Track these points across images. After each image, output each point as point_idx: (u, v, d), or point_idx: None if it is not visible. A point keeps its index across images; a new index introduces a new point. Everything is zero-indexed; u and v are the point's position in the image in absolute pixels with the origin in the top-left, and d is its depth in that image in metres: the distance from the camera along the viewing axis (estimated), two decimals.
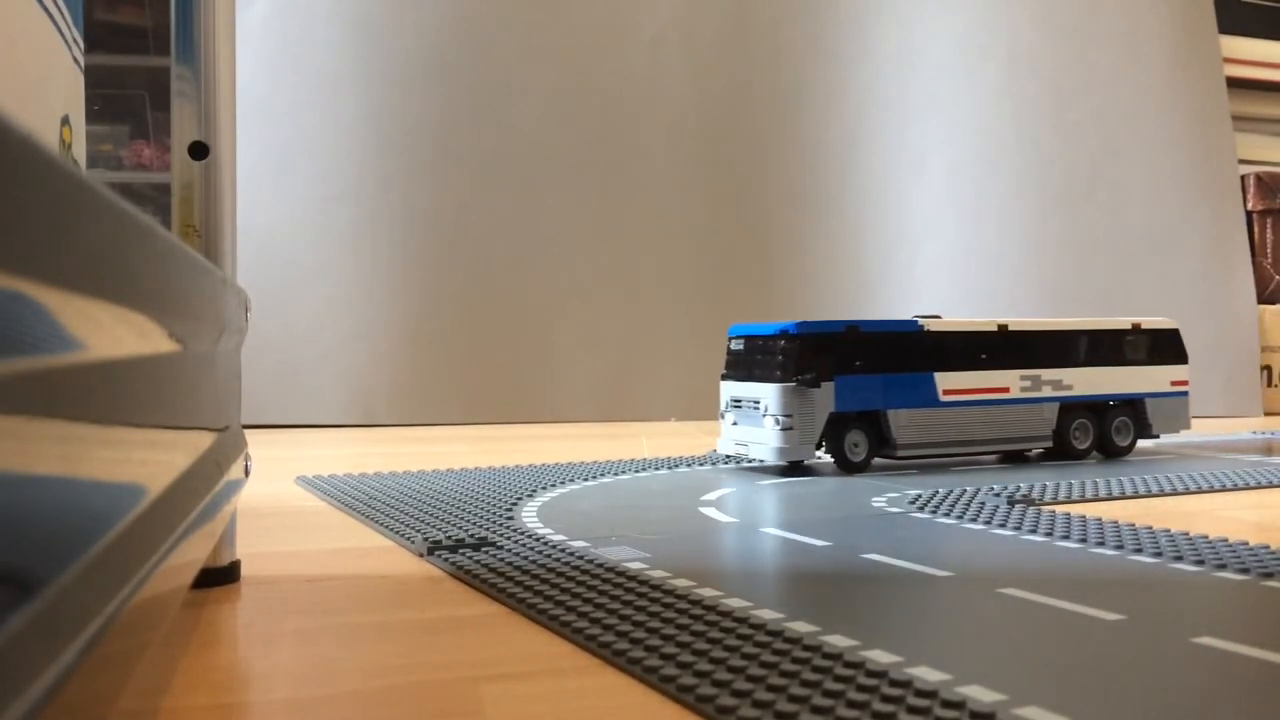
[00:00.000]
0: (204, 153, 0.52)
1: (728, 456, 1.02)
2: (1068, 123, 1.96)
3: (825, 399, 0.90)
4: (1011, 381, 0.99)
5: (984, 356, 0.98)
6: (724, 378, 0.97)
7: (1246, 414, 1.90)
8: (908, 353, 0.94)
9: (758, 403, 0.91)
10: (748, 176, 1.85)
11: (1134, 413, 1.06)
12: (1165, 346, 1.08)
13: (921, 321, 0.96)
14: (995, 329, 0.99)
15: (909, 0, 1.92)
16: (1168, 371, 1.07)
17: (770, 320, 1.01)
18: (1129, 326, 1.06)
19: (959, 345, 0.97)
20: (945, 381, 0.96)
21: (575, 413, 1.70)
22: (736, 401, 0.94)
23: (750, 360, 0.94)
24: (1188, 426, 1.09)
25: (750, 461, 0.99)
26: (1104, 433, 1.04)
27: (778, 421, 0.89)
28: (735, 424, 0.95)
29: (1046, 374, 1.01)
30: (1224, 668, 0.37)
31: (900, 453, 0.94)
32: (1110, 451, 1.05)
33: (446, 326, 1.67)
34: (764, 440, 0.91)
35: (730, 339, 0.98)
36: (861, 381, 0.92)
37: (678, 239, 1.80)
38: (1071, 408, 1.02)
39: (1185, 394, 1.08)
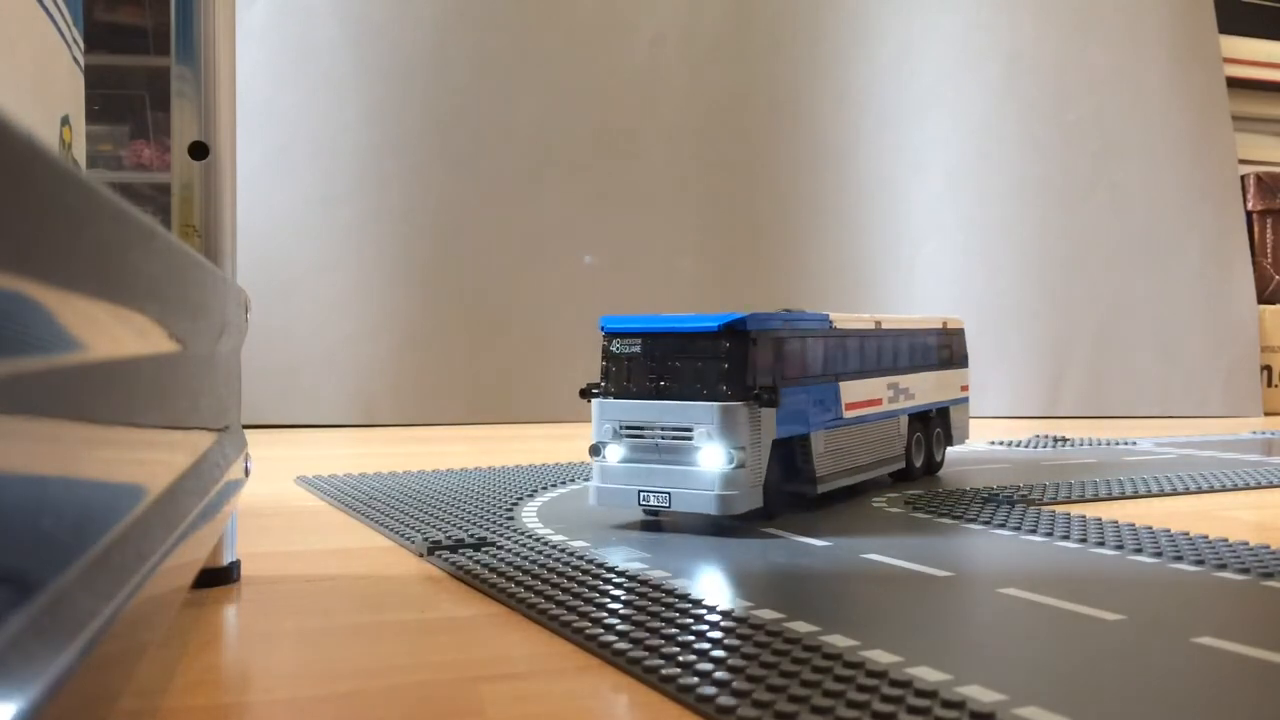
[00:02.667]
0: (204, 153, 0.52)
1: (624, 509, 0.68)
2: (1068, 123, 1.96)
3: (770, 422, 0.65)
4: (883, 391, 0.80)
5: (864, 361, 0.78)
6: (599, 394, 0.67)
7: (1246, 414, 1.90)
8: (820, 357, 0.72)
9: (685, 431, 0.63)
10: (747, 176, 1.85)
11: (944, 423, 0.93)
12: (960, 348, 0.95)
13: (831, 316, 0.74)
14: (874, 326, 0.80)
15: (909, 0, 1.92)
16: (962, 375, 0.95)
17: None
18: (941, 326, 0.92)
19: (856, 348, 0.77)
20: (847, 393, 0.75)
21: (575, 413, 1.69)
22: (635, 430, 0.64)
23: (661, 369, 0.65)
24: (968, 436, 0.98)
25: (658, 517, 0.69)
26: (929, 447, 0.89)
27: (729, 457, 0.61)
28: (633, 463, 0.65)
29: (903, 381, 0.83)
30: (1224, 668, 0.37)
31: (821, 487, 0.71)
32: (932, 468, 0.90)
33: (446, 326, 1.67)
34: (697, 485, 0.62)
35: (612, 337, 0.67)
36: (796, 396, 0.68)
37: (677, 238, 1.80)
38: (912, 420, 0.86)
39: (968, 400, 0.98)
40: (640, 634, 0.40)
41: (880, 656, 0.37)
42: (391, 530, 0.64)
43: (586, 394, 0.68)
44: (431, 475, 0.92)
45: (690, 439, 0.63)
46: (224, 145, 0.53)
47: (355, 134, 1.65)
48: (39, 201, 0.14)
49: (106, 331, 0.19)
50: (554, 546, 0.58)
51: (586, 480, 0.89)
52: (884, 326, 0.81)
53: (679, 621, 0.42)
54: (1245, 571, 0.51)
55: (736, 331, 0.63)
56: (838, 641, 0.39)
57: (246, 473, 0.53)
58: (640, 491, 0.64)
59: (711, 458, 0.62)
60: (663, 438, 0.64)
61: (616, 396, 0.66)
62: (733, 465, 0.62)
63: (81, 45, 0.60)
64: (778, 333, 0.66)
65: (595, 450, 0.66)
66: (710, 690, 0.34)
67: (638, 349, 0.66)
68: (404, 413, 1.62)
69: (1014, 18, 1.95)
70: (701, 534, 0.64)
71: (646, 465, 0.64)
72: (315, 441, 1.35)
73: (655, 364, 0.65)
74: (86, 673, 0.16)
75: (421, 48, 1.68)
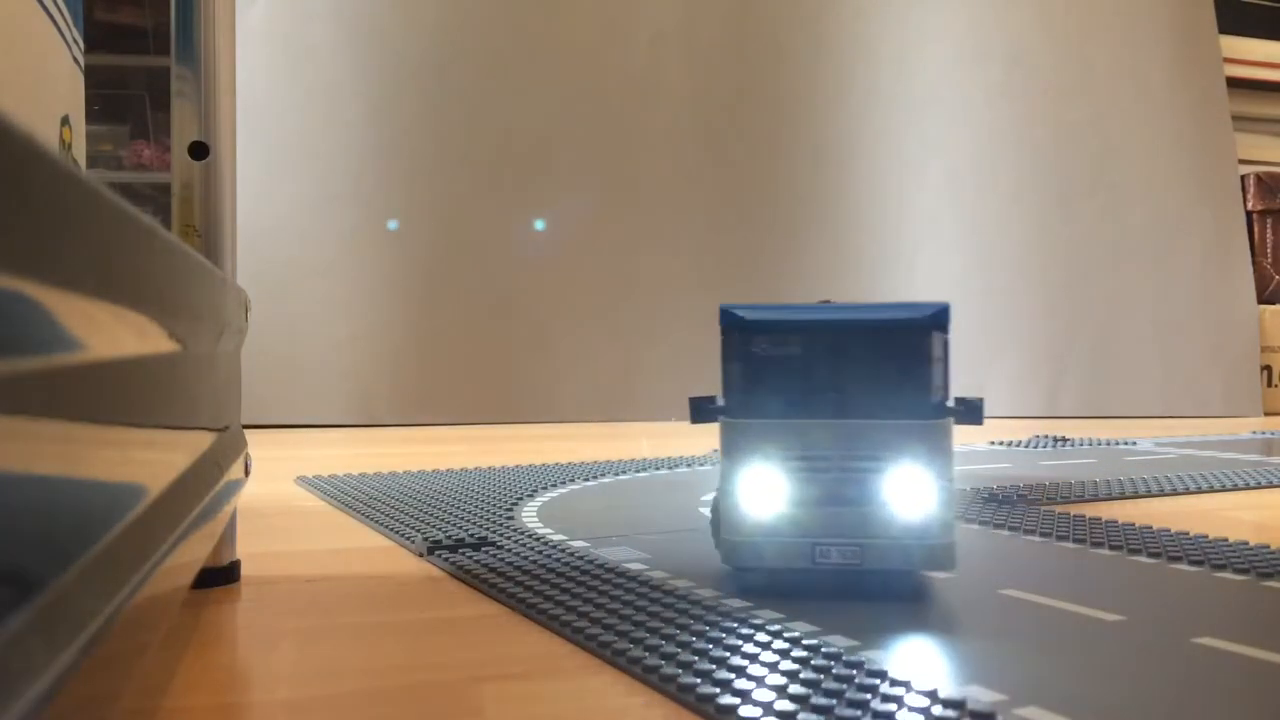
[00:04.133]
0: (204, 153, 0.52)
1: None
2: (1068, 123, 1.96)
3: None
4: None
5: None
6: (730, 412, 0.50)
7: (1246, 414, 1.90)
8: None
9: (875, 460, 0.48)
10: (748, 176, 1.85)
11: None
12: None
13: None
14: None
15: (909, 0, 1.92)
16: None
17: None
18: None
19: None
20: None
21: (575, 413, 1.70)
22: (805, 461, 0.48)
23: (836, 376, 0.49)
24: None
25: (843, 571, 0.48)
26: None
27: (941, 493, 0.47)
28: (800, 506, 0.48)
29: None
30: (1224, 667, 0.37)
31: None
32: None
33: (446, 326, 1.67)
34: (897, 534, 0.47)
35: (752, 333, 0.49)
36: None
37: (678, 238, 1.80)
38: None
39: None
40: (640, 634, 0.40)
41: (880, 656, 0.37)
42: (391, 530, 0.64)
43: (706, 412, 0.51)
44: (431, 475, 0.92)
45: (882, 470, 0.47)
46: (224, 145, 0.53)
47: (355, 134, 1.65)
48: (39, 201, 0.14)
49: (106, 331, 0.19)
50: (554, 546, 0.58)
51: (586, 480, 0.89)
52: None
53: (679, 621, 0.42)
54: (1245, 571, 0.51)
55: (941, 326, 0.47)
56: (838, 641, 0.39)
57: (246, 473, 0.53)
58: (816, 545, 0.47)
59: (913, 495, 0.46)
60: (844, 470, 0.47)
61: (764, 415, 0.48)
62: (943, 504, 0.46)
63: (81, 45, 0.60)
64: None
65: (728, 491, 0.48)
66: (710, 690, 0.34)
67: (797, 349, 0.49)
68: (404, 413, 1.62)
69: (1014, 18, 1.95)
70: (701, 534, 0.64)
71: (822, 510, 0.47)
72: (315, 441, 1.35)
73: (827, 370, 0.49)
74: (86, 673, 0.16)
75: (421, 48, 1.68)
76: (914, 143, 1.91)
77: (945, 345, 0.49)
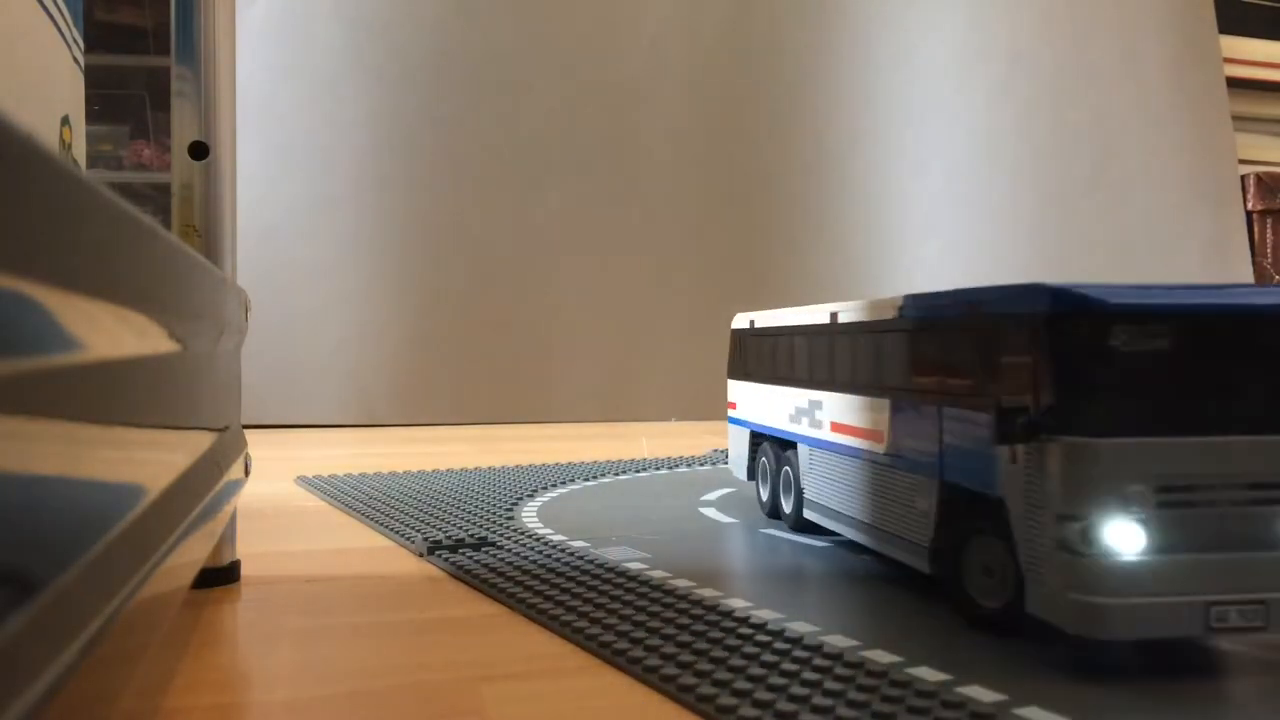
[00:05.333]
0: (204, 153, 0.52)
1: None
2: (1068, 123, 1.96)
3: None
4: None
5: None
6: (1090, 428, 0.36)
7: None
8: None
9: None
10: (747, 176, 1.85)
11: None
12: None
13: None
14: None
15: (909, 0, 1.92)
16: None
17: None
18: None
19: None
20: None
21: (575, 413, 1.70)
22: (1192, 492, 0.36)
23: (1233, 379, 0.37)
24: None
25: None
26: None
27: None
28: (1184, 553, 0.36)
29: None
30: (1224, 667, 0.37)
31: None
32: None
33: (446, 326, 1.67)
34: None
35: (1112, 321, 0.36)
36: None
37: (678, 238, 1.80)
38: None
39: None
40: (640, 634, 0.40)
41: (880, 656, 0.37)
42: (391, 530, 0.64)
43: (1025, 430, 0.37)
44: (431, 475, 0.92)
45: None
46: (224, 145, 0.53)
47: (355, 134, 1.65)
48: (39, 201, 0.14)
49: (106, 331, 0.19)
50: (554, 546, 0.58)
51: (586, 480, 0.89)
52: None
53: (679, 621, 0.42)
54: None
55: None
56: (838, 641, 0.39)
57: (246, 473, 0.53)
58: (1211, 606, 0.35)
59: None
60: (1249, 503, 0.36)
61: (1127, 432, 0.36)
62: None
63: (81, 45, 0.60)
64: None
65: (1084, 531, 0.35)
66: (710, 690, 0.34)
67: (1164, 343, 0.36)
68: (404, 413, 1.62)
69: (1014, 18, 1.95)
70: (701, 534, 0.64)
71: (1216, 556, 0.36)
72: (315, 441, 1.35)
73: (1216, 370, 0.37)
74: (86, 673, 0.16)
75: (421, 48, 1.68)
76: (914, 143, 1.91)
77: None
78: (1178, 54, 2.03)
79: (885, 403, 0.49)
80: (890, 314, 0.48)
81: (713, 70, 1.83)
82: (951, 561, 0.43)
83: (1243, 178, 2.11)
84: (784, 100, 1.87)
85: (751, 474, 0.73)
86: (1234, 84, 2.20)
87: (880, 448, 0.50)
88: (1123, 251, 1.95)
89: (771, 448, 0.68)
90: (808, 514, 0.61)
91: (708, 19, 1.83)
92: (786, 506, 0.65)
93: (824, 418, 0.57)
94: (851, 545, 0.59)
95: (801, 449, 0.61)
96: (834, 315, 0.56)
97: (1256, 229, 2.15)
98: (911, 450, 0.46)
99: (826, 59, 1.89)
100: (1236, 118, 2.11)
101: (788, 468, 0.65)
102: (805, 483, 0.61)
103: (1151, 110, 2.00)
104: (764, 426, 0.68)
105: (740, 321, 0.74)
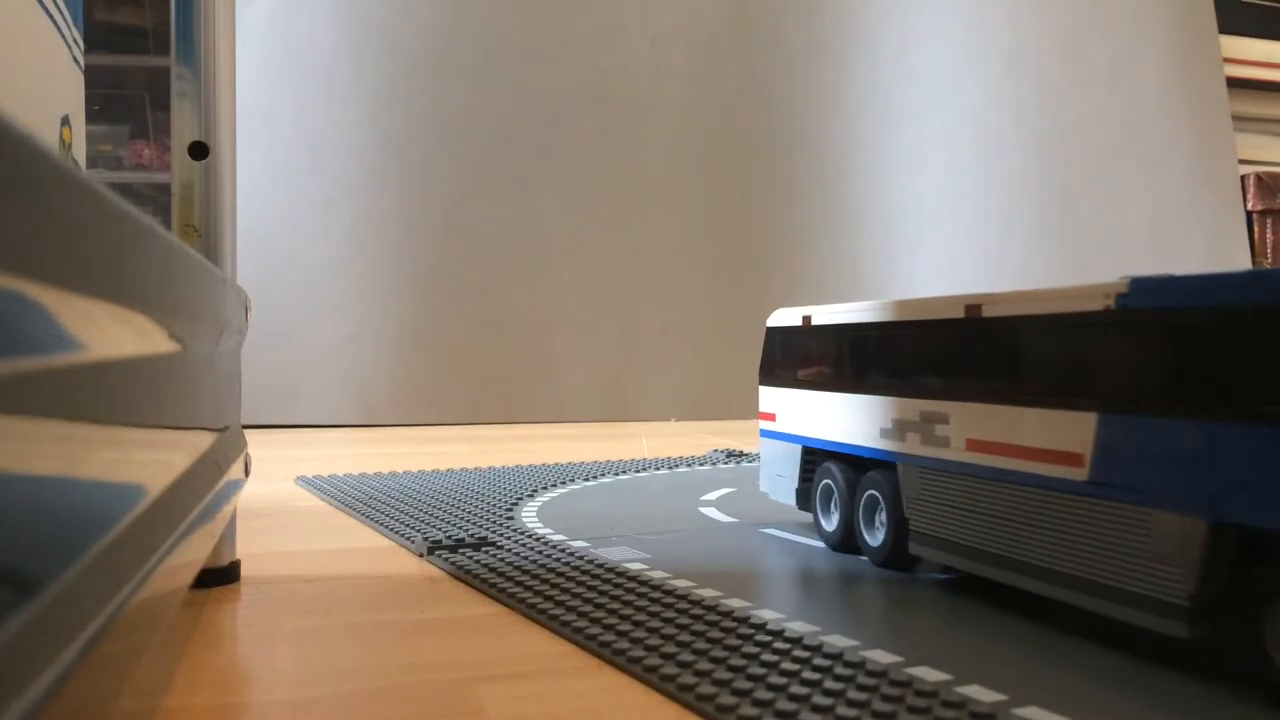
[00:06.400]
0: (204, 153, 0.52)
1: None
2: (1068, 123, 1.96)
3: None
4: None
5: None
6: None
7: None
8: None
9: None
10: (748, 176, 1.85)
11: None
12: None
13: None
14: None
15: (909, 0, 1.92)
16: None
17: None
18: None
19: None
20: None
21: (575, 413, 1.70)
22: None
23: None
24: None
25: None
26: None
27: None
28: None
29: None
30: (1223, 667, 0.37)
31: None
32: None
33: (446, 326, 1.67)
34: None
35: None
36: None
37: (678, 238, 1.80)
38: None
39: None
40: (640, 634, 0.40)
41: (880, 656, 0.37)
42: (391, 530, 0.64)
43: None
44: (431, 475, 0.92)
45: None
46: (224, 145, 0.53)
47: (355, 134, 1.65)
48: (39, 201, 0.14)
49: (106, 331, 0.19)
50: (554, 546, 0.58)
51: (586, 480, 0.89)
52: None
53: (679, 621, 0.42)
54: None
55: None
56: (838, 641, 0.39)
57: (246, 473, 0.53)
58: None
59: None
60: None
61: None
62: None
63: (81, 45, 0.60)
64: None
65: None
66: (710, 690, 0.34)
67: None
68: (404, 413, 1.62)
69: (1014, 17, 1.95)
70: (701, 534, 0.64)
71: None
72: (315, 441, 1.35)
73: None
74: (86, 672, 0.16)
75: (421, 48, 1.68)
76: (914, 143, 1.91)
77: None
78: (1178, 54, 2.03)
79: (1088, 417, 0.38)
80: (1099, 304, 0.38)
81: (713, 70, 1.83)
82: (1241, 621, 0.34)
83: (1243, 178, 2.11)
84: (784, 100, 1.87)
85: (803, 499, 0.62)
86: (1234, 84, 2.20)
87: (1077, 473, 0.39)
88: (1123, 251, 1.95)
89: (840, 468, 0.57)
90: (916, 549, 0.50)
91: (708, 19, 1.83)
92: (872, 538, 0.54)
93: (952, 433, 0.46)
94: (850, 545, 0.59)
95: (905, 471, 0.51)
96: (974, 308, 0.46)
97: (1256, 229, 2.15)
98: (1147, 478, 0.36)
99: (827, 59, 1.89)
100: (1236, 118, 2.11)
101: (873, 492, 0.54)
102: (912, 512, 0.50)
103: (1151, 110, 2.00)
104: (829, 443, 0.58)
105: (782, 318, 0.64)
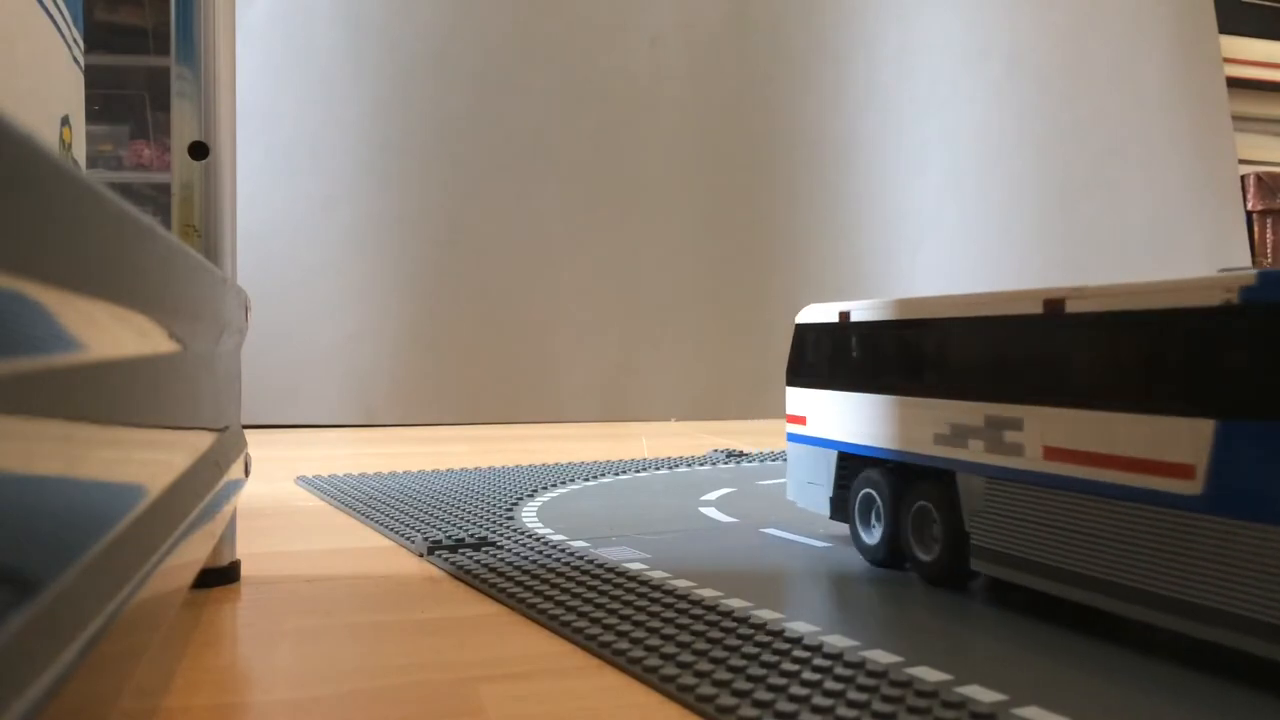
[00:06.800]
0: (204, 153, 0.52)
1: None
2: (1068, 123, 1.96)
3: None
4: None
5: None
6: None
7: None
8: None
9: None
10: (747, 176, 1.85)
11: None
12: None
13: None
14: None
15: (909, 0, 1.92)
16: None
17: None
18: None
19: None
20: None
21: (575, 413, 1.70)
22: None
23: None
24: None
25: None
26: None
27: None
28: None
29: None
30: (1223, 666, 0.37)
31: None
32: None
33: (446, 326, 1.67)
34: None
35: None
36: None
37: (678, 238, 1.80)
38: None
39: None
40: (640, 634, 0.40)
41: (880, 656, 0.37)
42: (391, 530, 0.64)
43: None
44: (431, 475, 0.92)
45: None
46: (224, 145, 0.53)
47: (355, 134, 1.65)
48: (39, 201, 0.14)
49: (106, 331, 0.19)
50: (554, 546, 0.58)
51: (586, 480, 0.89)
52: None
53: (679, 621, 0.42)
54: None
55: None
56: (838, 641, 0.39)
57: (246, 473, 0.53)
58: None
59: None
60: None
61: None
62: None
63: (81, 45, 0.60)
64: None
65: None
66: (710, 690, 0.34)
67: None
68: (404, 413, 1.62)
69: (1014, 18, 1.95)
70: (701, 534, 0.64)
71: None
72: (315, 441, 1.35)
73: None
74: (86, 672, 0.16)
75: (421, 48, 1.68)
76: (914, 142, 1.91)
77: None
78: (1178, 54, 2.03)
79: (1203, 425, 0.34)
80: (1217, 299, 0.34)
81: (713, 70, 1.83)
82: None
83: (1243, 178, 2.11)
84: (784, 100, 1.87)
85: (838, 508, 0.58)
86: (1234, 84, 2.20)
87: (1187, 487, 0.35)
88: (1123, 251, 1.95)
89: (883, 476, 0.53)
90: (979, 565, 0.46)
91: (708, 19, 1.83)
92: (923, 553, 0.50)
93: (1026, 440, 0.42)
94: (851, 545, 0.59)
95: (966, 481, 0.46)
96: (1055, 303, 0.42)
97: (1256, 229, 2.15)
98: (1276, 493, 0.32)
99: (827, 59, 1.89)
100: (1236, 118, 2.11)
101: (924, 503, 0.50)
102: (975, 525, 0.46)
103: (1151, 110, 2.00)
104: (871, 448, 0.54)
105: (814, 315, 0.60)
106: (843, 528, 0.63)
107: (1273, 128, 2.63)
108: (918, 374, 0.50)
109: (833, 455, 0.58)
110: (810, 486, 0.60)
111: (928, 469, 0.49)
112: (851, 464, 0.57)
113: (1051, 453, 0.41)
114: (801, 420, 0.61)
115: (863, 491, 0.55)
